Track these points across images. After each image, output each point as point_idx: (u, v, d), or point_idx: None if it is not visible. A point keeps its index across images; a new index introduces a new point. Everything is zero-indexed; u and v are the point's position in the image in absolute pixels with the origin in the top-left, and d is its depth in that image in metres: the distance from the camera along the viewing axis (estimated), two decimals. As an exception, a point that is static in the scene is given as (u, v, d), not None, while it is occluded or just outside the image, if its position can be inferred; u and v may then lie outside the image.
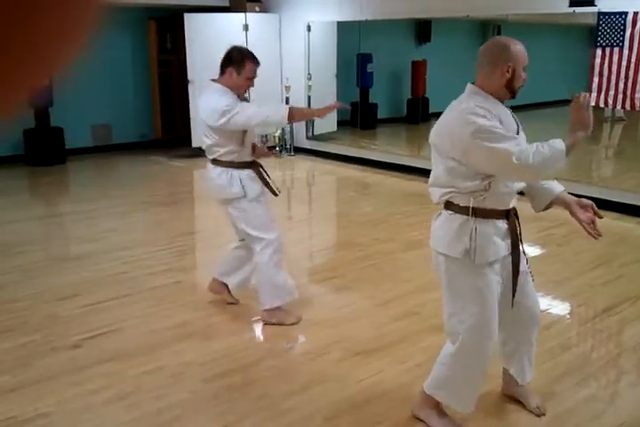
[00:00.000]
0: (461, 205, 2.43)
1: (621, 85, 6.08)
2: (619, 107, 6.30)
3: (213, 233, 5.69)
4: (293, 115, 3.48)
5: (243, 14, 9.06)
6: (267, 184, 3.68)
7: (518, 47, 2.41)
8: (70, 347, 3.45)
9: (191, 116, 8.84)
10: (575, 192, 7.20)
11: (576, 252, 5.11)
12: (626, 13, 5.92)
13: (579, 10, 6.26)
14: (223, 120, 3.39)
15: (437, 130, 2.50)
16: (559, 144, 2.30)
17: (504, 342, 2.75)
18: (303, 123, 9.28)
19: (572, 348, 3.49)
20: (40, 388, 3.02)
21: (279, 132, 9.39)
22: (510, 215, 2.50)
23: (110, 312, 3.91)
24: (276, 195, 3.74)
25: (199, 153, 8.91)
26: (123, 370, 3.19)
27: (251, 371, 3.21)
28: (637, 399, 2.98)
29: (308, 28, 9.10)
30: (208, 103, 3.49)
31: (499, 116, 2.36)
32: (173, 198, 7.24)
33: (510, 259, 2.52)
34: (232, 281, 3.95)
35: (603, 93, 6.24)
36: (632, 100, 6.04)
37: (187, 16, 8.86)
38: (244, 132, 3.54)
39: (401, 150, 9.36)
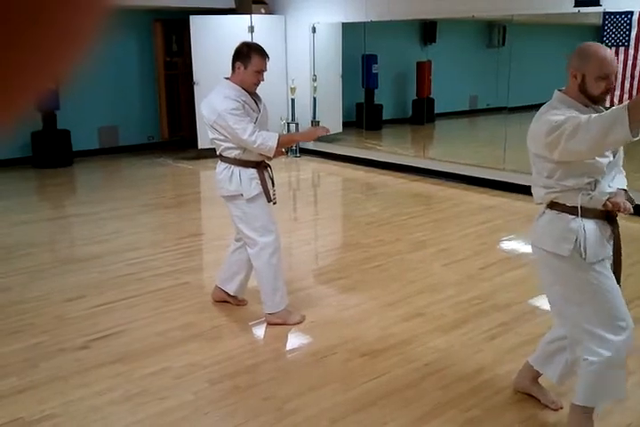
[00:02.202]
0: (568, 204, 2.48)
1: (627, 85, 6.06)
2: (625, 106, 6.27)
3: (219, 235, 5.70)
4: (281, 144, 3.49)
5: (248, 16, 9.07)
6: (264, 188, 3.61)
7: (596, 54, 2.40)
8: (77, 348, 3.46)
9: (197, 117, 8.86)
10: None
11: (583, 252, 5.09)
12: (631, 13, 5.90)
13: (584, 10, 6.24)
14: (220, 121, 3.41)
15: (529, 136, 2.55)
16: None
17: (559, 338, 2.72)
18: (309, 124, 9.29)
19: (579, 348, 3.47)
20: (47, 389, 3.04)
21: (285, 133, 9.39)
22: (612, 217, 2.54)
23: (117, 314, 3.92)
24: (269, 201, 3.65)
25: (205, 154, 8.99)
26: (129, 371, 3.20)
27: (256, 372, 3.21)
28: (645, 400, 2.97)
29: (314, 30, 9.10)
30: (212, 101, 3.50)
31: None
32: (180, 200, 7.26)
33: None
34: (231, 288, 3.95)
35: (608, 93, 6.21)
36: (638, 99, 6.02)
37: (192, 18, 8.88)
38: None
39: (406, 151, 9.35)
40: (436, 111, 10.93)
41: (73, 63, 0.34)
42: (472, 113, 12.18)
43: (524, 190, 7.04)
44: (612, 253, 2.55)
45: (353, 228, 6.05)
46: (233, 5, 9.36)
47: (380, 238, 5.49)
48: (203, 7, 9.00)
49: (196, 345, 3.49)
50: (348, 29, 9.04)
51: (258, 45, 3.56)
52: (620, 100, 6.15)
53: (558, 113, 2.38)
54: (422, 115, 10.59)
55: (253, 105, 3.56)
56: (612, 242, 2.54)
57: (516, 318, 3.82)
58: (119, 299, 4.15)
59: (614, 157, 2.51)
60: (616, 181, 2.53)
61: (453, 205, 6.65)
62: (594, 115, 2.30)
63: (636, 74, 5.98)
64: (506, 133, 7.61)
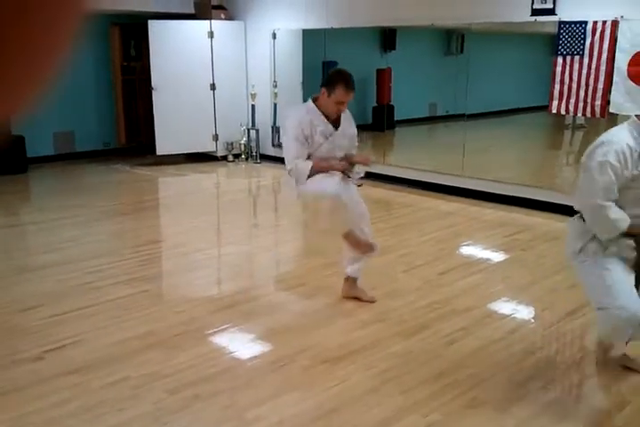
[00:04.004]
0: None
1: (582, 93, 6.20)
2: (579, 114, 6.41)
3: (178, 242, 5.64)
4: (314, 170, 3.72)
5: (208, 21, 9.03)
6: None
7: None
8: (33, 359, 3.38)
9: (155, 123, 8.78)
10: (538, 198, 7.24)
11: (540, 256, 5.18)
12: (586, 22, 6.05)
13: (540, 19, 6.37)
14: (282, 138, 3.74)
15: None
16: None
17: None
18: (269, 130, 9.29)
19: (537, 352, 3.53)
20: (3, 401, 2.96)
21: (245, 139, 9.38)
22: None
23: (74, 323, 3.85)
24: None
25: (164, 161, 8.90)
26: (86, 382, 3.14)
27: (217, 381, 3.18)
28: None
29: (274, 36, 9.11)
30: (287, 117, 3.84)
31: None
32: (137, 207, 7.16)
33: None
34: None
35: (564, 101, 6.35)
36: (592, 107, 6.16)
37: (151, 23, 8.80)
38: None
39: (367, 157, 9.38)
40: (396, 118, 11.00)
41: (54, 67, 0.34)
42: (431, 120, 12.30)
43: (483, 196, 7.15)
44: None
45: (313, 234, 6.04)
46: (192, 10, 9.30)
47: (340, 245, 5.48)
48: (162, 12, 8.92)
49: (155, 354, 3.45)
50: (309, 36, 9.06)
51: (347, 77, 3.67)
52: (575, 108, 6.28)
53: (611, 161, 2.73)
54: (382, 121, 10.65)
55: (327, 130, 3.79)
56: None
57: (475, 323, 3.86)
58: (77, 308, 4.07)
59: None
60: None
61: (413, 211, 6.70)
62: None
63: (591, 82, 6.12)
64: (465, 140, 7.71)
